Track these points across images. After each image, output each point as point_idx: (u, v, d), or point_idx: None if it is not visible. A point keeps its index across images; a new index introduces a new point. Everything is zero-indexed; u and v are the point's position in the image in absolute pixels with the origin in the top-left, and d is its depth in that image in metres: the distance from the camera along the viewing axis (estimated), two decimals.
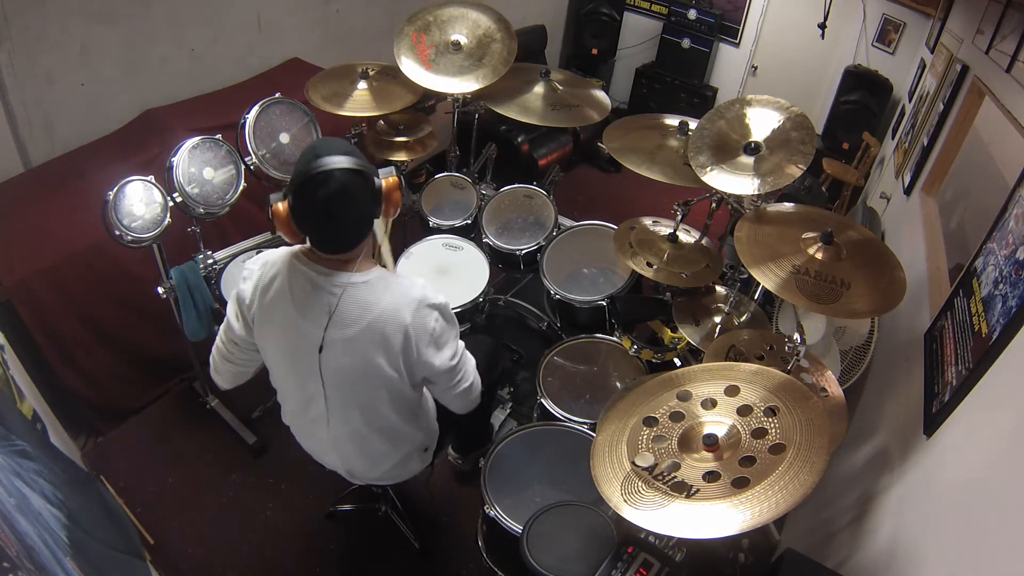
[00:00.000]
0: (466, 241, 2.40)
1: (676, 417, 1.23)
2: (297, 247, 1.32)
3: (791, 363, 1.45)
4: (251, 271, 1.33)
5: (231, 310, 1.37)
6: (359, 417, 1.41)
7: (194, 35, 2.65)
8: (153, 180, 1.85)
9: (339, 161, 1.17)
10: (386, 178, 1.25)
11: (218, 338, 1.43)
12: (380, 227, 1.30)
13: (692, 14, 4.47)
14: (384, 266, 1.37)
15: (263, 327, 1.33)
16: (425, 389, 1.55)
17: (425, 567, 2.02)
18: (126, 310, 2.22)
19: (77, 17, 2.25)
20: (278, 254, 1.32)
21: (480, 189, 2.59)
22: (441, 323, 1.33)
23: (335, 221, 1.21)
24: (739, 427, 1.15)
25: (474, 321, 2.32)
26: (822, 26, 3.26)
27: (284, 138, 2.14)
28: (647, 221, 2.15)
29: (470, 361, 1.49)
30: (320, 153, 1.18)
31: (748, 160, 1.81)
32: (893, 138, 3.65)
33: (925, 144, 2.62)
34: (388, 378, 1.32)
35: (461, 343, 1.44)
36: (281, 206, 1.22)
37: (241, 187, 2.03)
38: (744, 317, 1.93)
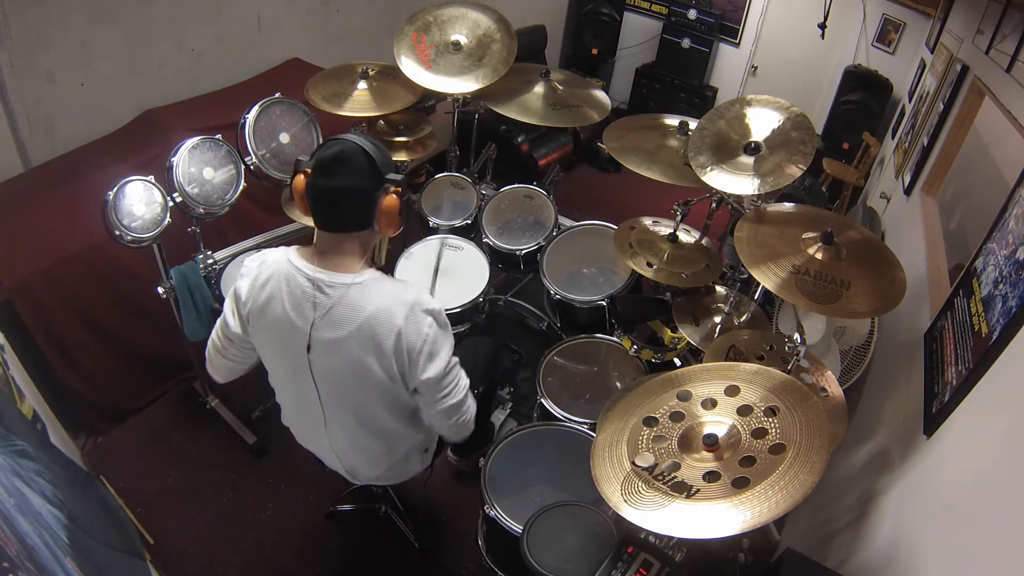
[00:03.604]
0: (466, 241, 2.40)
1: (676, 417, 1.23)
2: (295, 247, 1.32)
3: (791, 363, 1.45)
4: (249, 268, 1.33)
5: (228, 306, 1.37)
6: (353, 419, 1.41)
7: (194, 35, 2.65)
8: (153, 180, 1.85)
9: (354, 137, 1.24)
10: (390, 190, 1.23)
11: (214, 333, 1.43)
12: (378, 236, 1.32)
13: (692, 14, 4.48)
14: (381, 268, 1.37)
15: (258, 325, 1.33)
16: None
17: (425, 567, 2.02)
18: (126, 310, 2.22)
19: (77, 17, 2.25)
20: (276, 254, 1.32)
21: (480, 189, 2.59)
22: (435, 329, 1.30)
23: (327, 184, 1.21)
24: (739, 427, 1.15)
25: (474, 321, 2.31)
26: (822, 26, 3.26)
27: (284, 138, 2.14)
28: (647, 221, 2.15)
29: (463, 378, 1.43)
30: (349, 133, 1.26)
31: (748, 160, 1.81)
32: (893, 138, 3.65)
33: (925, 144, 2.62)
34: (380, 381, 1.31)
35: (455, 358, 1.39)
36: (301, 177, 1.24)
37: (241, 187, 2.03)
38: (744, 317, 1.93)
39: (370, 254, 1.33)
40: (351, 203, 1.24)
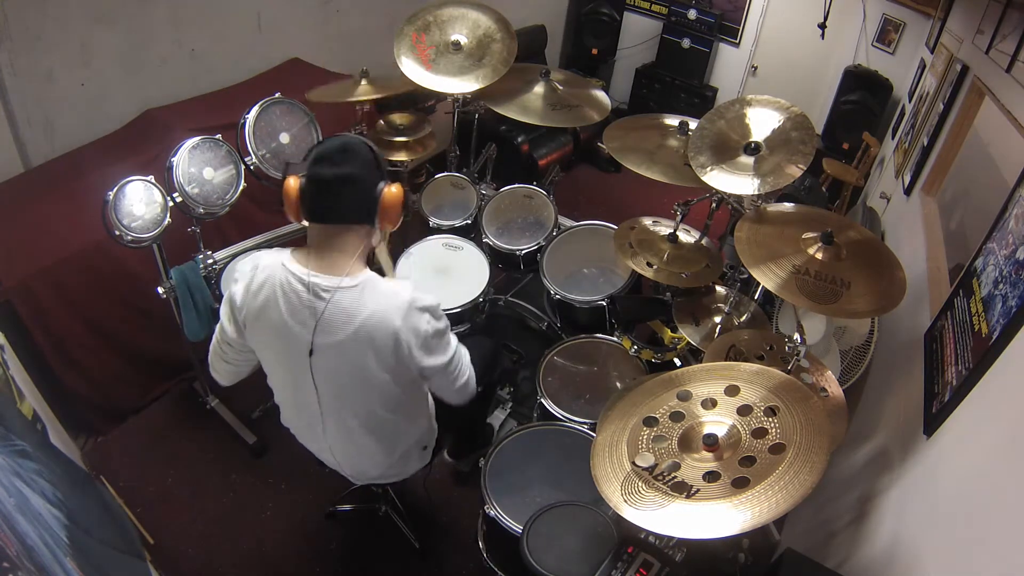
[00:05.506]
0: (466, 241, 2.40)
1: (676, 417, 1.23)
2: (288, 250, 1.31)
3: (791, 363, 1.45)
4: (243, 273, 1.33)
5: (224, 312, 1.37)
6: (353, 419, 1.41)
7: (194, 35, 2.65)
8: (153, 180, 1.85)
9: (354, 135, 1.29)
10: (389, 186, 1.27)
11: (214, 338, 1.44)
12: (376, 236, 1.34)
13: (692, 14, 4.47)
14: (382, 272, 1.37)
15: (255, 330, 1.33)
16: (424, 387, 1.56)
17: (425, 567, 2.02)
18: (126, 310, 2.21)
19: (77, 17, 2.25)
20: (269, 257, 1.31)
21: (480, 189, 2.59)
22: (433, 324, 1.32)
23: (333, 171, 1.23)
24: (739, 427, 1.15)
25: (474, 321, 2.32)
26: (822, 26, 3.26)
27: (284, 138, 2.14)
28: (647, 221, 2.15)
29: (466, 356, 1.49)
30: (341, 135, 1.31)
31: (748, 160, 1.81)
32: (893, 138, 3.65)
33: (925, 144, 2.62)
34: (381, 381, 1.32)
35: (454, 338, 1.43)
36: (292, 180, 1.26)
37: (241, 187, 2.03)
38: (744, 317, 1.93)
39: (366, 255, 1.34)
40: (356, 191, 1.25)
